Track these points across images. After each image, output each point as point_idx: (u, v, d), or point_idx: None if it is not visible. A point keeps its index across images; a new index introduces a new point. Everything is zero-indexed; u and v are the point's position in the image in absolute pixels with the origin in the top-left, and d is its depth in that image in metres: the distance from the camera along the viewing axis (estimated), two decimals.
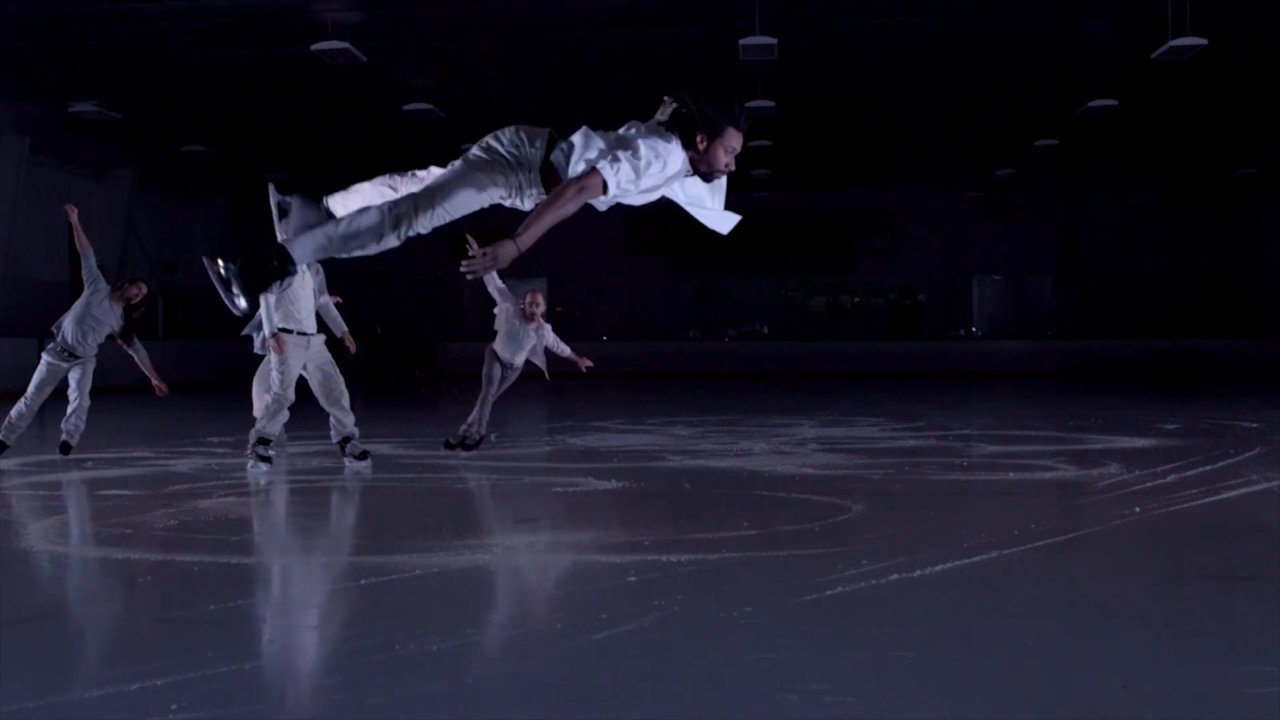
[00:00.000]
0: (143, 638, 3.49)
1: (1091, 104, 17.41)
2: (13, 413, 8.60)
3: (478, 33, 14.64)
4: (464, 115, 18.77)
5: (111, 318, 8.81)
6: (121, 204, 23.26)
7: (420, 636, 3.41)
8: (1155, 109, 18.61)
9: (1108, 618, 3.57)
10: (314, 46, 13.51)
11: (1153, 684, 2.97)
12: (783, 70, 15.04)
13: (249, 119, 19.35)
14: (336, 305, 8.70)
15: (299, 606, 4.09)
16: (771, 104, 16.63)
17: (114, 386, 20.29)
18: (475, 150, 4.05)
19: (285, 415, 7.88)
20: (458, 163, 4.07)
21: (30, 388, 8.78)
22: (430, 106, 17.61)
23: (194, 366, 23.30)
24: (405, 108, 17.66)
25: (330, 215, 4.10)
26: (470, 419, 8.36)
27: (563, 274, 26.00)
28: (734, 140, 4.11)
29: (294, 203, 4.13)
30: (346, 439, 7.92)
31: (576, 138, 3.96)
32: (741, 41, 13.23)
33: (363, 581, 4.37)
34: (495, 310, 8.60)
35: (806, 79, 16.27)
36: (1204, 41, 13.03)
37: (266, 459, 7.73)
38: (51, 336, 8.83)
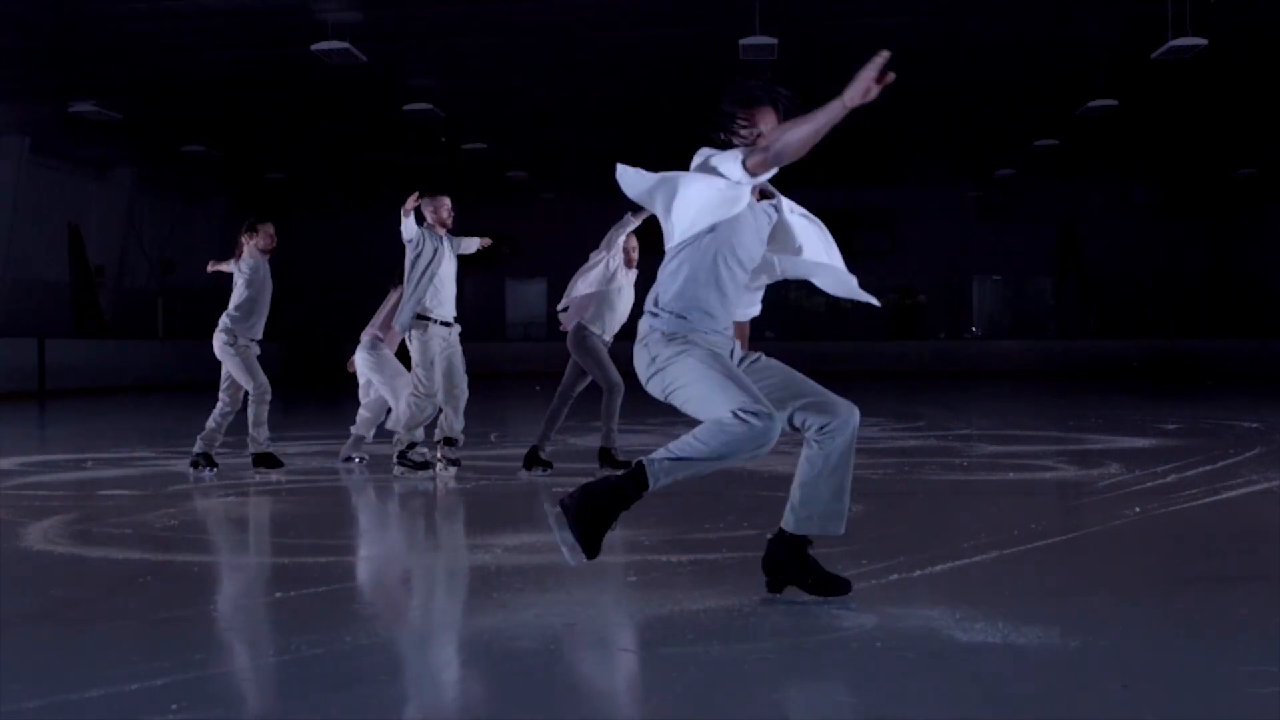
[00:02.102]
0: (143, 638, 3.48)
1: (1091, 104, 17.42)
2: (210, 424, 7.79)
3: (478, 33, 14.65)
4: (464, 115, 18.80)
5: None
6: (121, 204, 23.26)
7: (419, 636, 3.41)
8: (1155, 109, 18.61)
9: (1108, 618, 3.57)
10: (314, 46, 13.52)
11: (1153, 684, 2.96)
12: (783, 70, 15.05)
13: (249, 119, 19.35)
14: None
15: (298, 606, 4.09)
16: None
17: (115, 387, 20.32)
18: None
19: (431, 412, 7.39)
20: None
21: (252, 385, 7.70)
22: (430, 106, 17.62)
23: (194, 366, 23.28)
24: (405, 108, 17.66)
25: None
26: (545, 431, 7.50)
27: (563, 275, 25.97)
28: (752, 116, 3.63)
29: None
30: (450, 440, 7.57)
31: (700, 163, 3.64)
32: (741, 41, 13.23)
33: (362, 581, 4.37)
34: (582, 277, 7.55)
35: (806, 79, 16.27)
36: (1204, 41, 13.04)
37: (423, 465, 7.37)
38: (233, 334, 7.74)
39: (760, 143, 3.52)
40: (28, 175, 20.32)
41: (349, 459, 8.10)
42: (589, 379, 7.55)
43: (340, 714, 2.84)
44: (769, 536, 3.83)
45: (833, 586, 3.78)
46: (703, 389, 3.53)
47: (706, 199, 3.55)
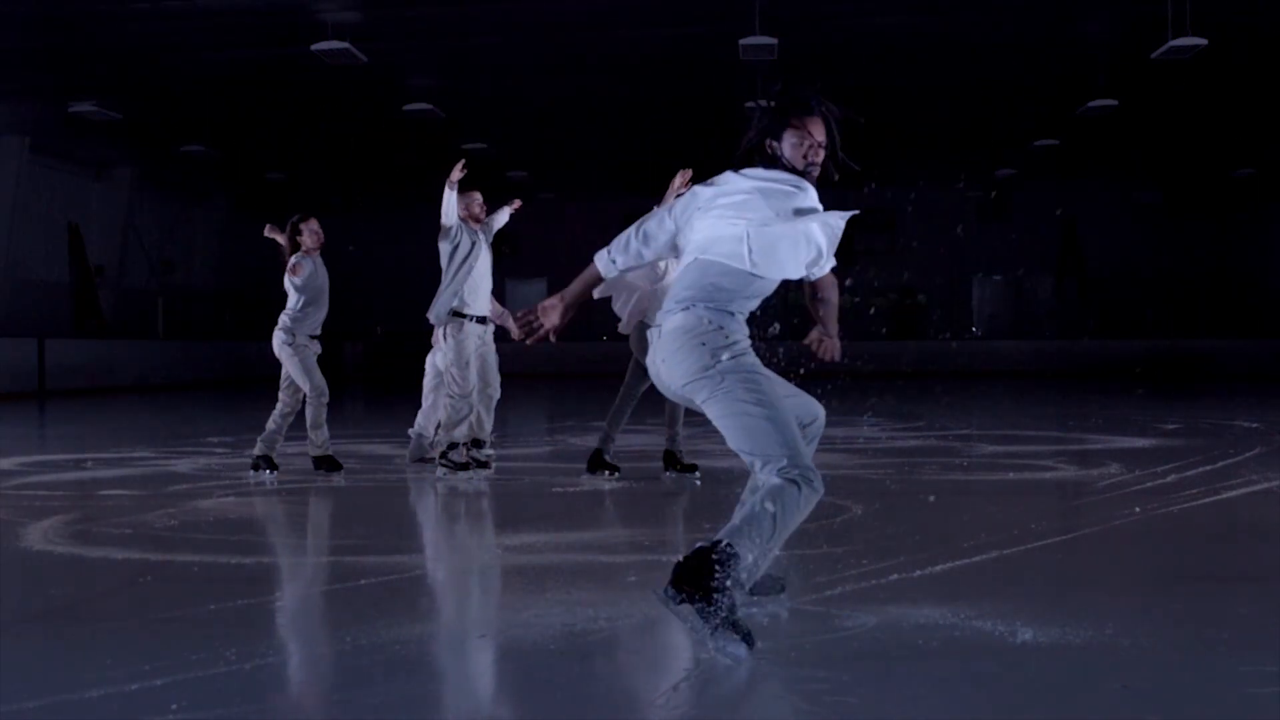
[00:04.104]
0: (143, 638, 3.48)
1: (1091, 104, 17.43)
2: (270, 425, 7.60)
3: (478, 33, 14.66)
4: (464, 115, 18.81)
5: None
6: (121, 204, 23.28)
7: (420, 636, 3.41)
8: (1155, 109, 18.62)
9: (1108, 617, 3.57)
10: (314, 46, 13.53)
11: (1153, 684, 2.96)
12: (783, 70, 15.04)
13: (249, 119, 19.36)
14: None
15: (299, 607, 4.09)
16: (772, 104, 16.65)
17: (115, 387, 20.32)
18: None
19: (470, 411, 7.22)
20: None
21: (308, 385, 7.47)
22: (430, 106, 17.62)
23: (194, 366, 23.32)
24: (405, 108, 17.67)
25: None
26: (609, 432, 7.24)
27: (563, 274, 26.04)
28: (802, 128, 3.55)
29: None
30: (478, 442, 7.46)
31: None
32: (741, 41, 13.24)
33: (362, 582, 4.37)
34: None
35: (806, 79, 16.28)
36: (1204, 41, 13.05)
37: (464, 465, 7.25)
38: (291, 332, 7.49)
39: (829, 280, 3.73)
40: (28, 175, 20.33)
41: (420, 460, 7.91)
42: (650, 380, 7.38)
43: (339, 713, 2.84)
44: (700, 543, 3.72)
45: (772, 586, 3.78)
46: (752, 418, 3.34)
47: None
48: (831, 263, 3.62)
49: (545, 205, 26.88)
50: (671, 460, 7.23)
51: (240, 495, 6.80)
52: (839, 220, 3.49)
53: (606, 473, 7.16)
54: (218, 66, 15.82)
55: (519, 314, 3.58)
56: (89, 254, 22.52)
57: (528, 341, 3.58)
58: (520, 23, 14.28)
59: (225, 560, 4.66)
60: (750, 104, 17.07)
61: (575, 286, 3.60)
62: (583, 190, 26.67)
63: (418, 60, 16.07)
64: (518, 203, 7.84)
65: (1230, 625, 3.54)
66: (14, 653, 3.38)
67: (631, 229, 3.60)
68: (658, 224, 3.56)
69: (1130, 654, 3.21)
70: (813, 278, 3.63)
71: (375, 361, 27.11)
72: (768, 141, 3.56)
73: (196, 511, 6.02)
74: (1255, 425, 10.88)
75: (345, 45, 13.51)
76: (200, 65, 15.79)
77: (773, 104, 3.60)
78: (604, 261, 3.58)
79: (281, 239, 7.64)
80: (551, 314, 3.50)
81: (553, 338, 3.58)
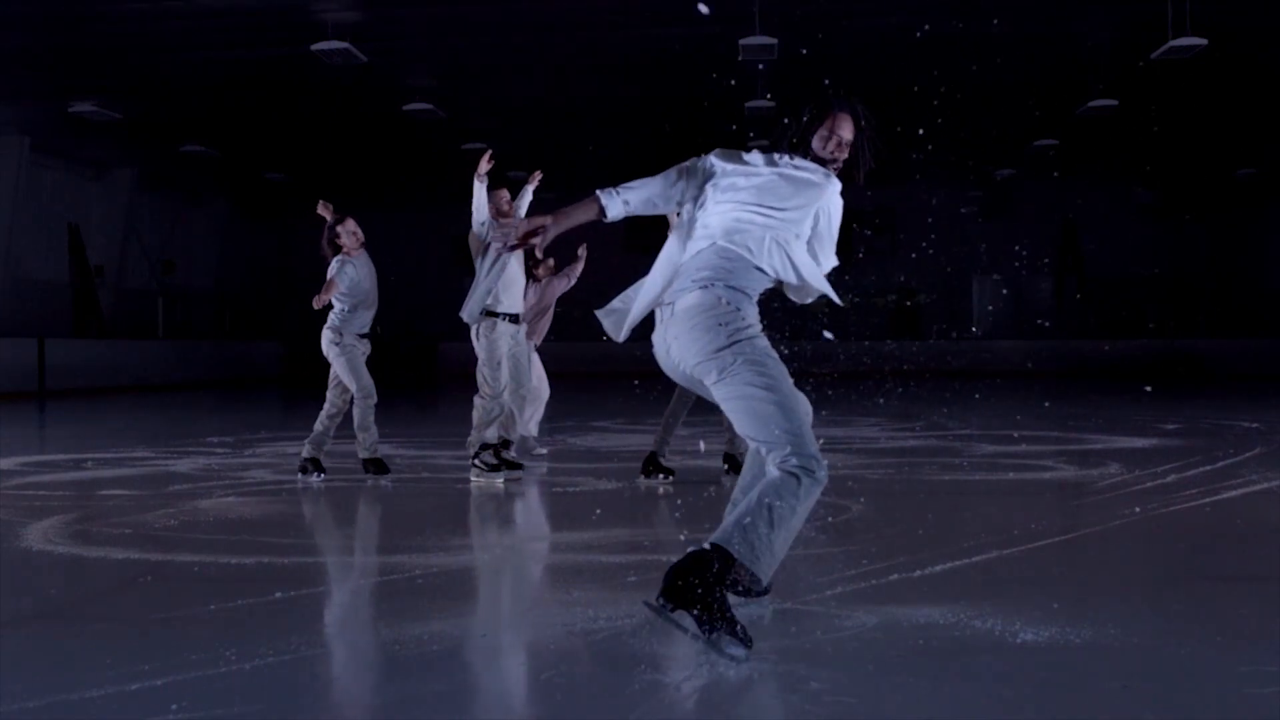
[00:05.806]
0: (143, 638, 3.48)
1: (1091, 104, 17.44)
2: (318, 426, 7.48)
3: (478, 33, 14.66)
4: (464, 115, 18.80)
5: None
6: (121, 204, 23.27)
7: (420, 636, 3.41)
8: (1155, 109, 18.63)
9: (1108, 618, 3.57)
10: (314, 46, 13.53)
11: (1153, 684, 2.96)
12: (783, 70, 15.05)
13: (249, 119, 19.36)
14: None
15: (299, 607, 4.09)
16: (772, 104, 16.65)
17: (115, 387, 20.32)
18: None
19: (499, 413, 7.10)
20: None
21: (355, 386, 7.41)
22: (430, 106, 17.63)
23: (194, 366, 23.31)
24: (405, 108, 17.67)
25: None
26: (663, 436, 7.10)
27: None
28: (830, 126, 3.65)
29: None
30: (507, 443, 7.39)
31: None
32: (741, 41, 13.25)
33: (362, 582, 4.37)
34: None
35: (806, 79, 16.30)
36: (1204, 41, 13.05)
37: (496, 467, 7.12)
38: (339, 331, 7.40)
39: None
40: (28, 175, 20.33)
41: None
42: None
43: (339, 714, 2.84)
44: (694, 549, 3.69)
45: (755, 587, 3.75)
46: (760, 402, 3.30)
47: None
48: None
49: (546, 205, 26.87)
50: (731, 462, 7.19)
51: (240, 495, 6.80)
52: (828, 291, 3.63)
53: (661, 475, 7.06)
54: (218, 66, 15.82)
55: (521, 223, 3.71)
56: (89, 254, 22.52)
57: (497, 244, 3.67)
58: (520, 23, 14.29)
59: (225, 560, 4.65)
60: (751, 103, 17.11)
61: (576, 215, 3.71)
62: (583, 190, 26.67)
63: (418, 60, 16.07)
64: (539, 175, 7.71)
65: (1230, 625, 3.54)
66: (14, 653, 3.38)
67: (650, 180, 3.67)
68: (675, 181, 3.68)
69: (1130, 654, 3.21)
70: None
71: (376, 362, 27.12)
72: (805, 133, 3.67)
73: (196, 511, 6.02)
74: (1255, 425, 10.89)
75: (345, 45, 13.52)
76: (200, 65, 15.79)
77: (813, 102, 3.71)
78: (616, 204, 3.63)
79: (330, 217, 7.49)
80: (542, 234, 3.69)
81: (537, 253, 3.70)
